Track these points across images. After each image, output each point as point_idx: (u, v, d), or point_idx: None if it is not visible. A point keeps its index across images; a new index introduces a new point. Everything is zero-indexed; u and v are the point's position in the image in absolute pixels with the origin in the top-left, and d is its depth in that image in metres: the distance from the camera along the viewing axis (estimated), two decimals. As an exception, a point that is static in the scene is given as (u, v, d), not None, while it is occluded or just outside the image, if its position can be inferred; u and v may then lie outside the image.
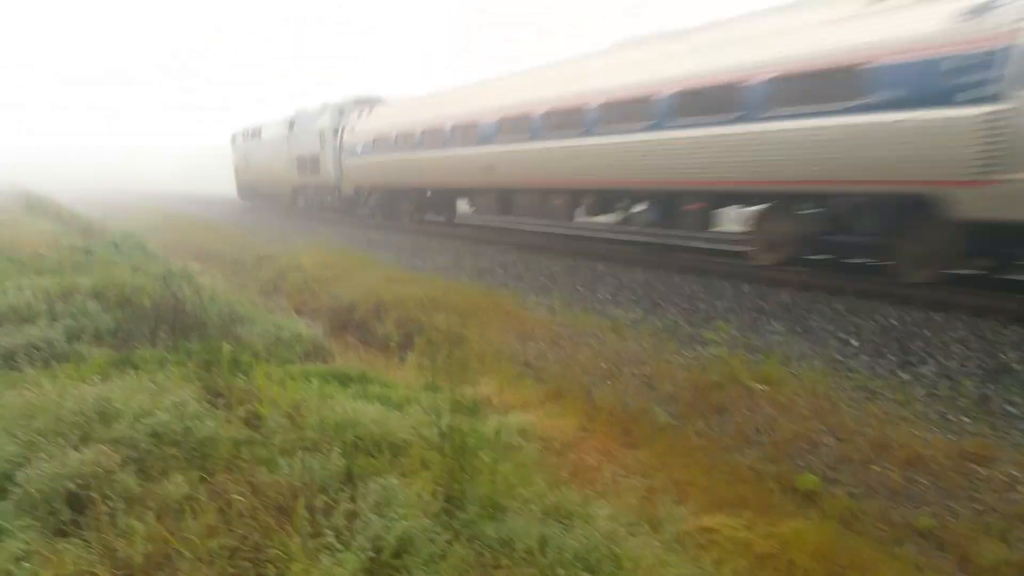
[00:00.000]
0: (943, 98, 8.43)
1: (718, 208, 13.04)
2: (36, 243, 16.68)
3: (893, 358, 7.71)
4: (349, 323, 12.55)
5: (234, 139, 39.64)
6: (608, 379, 8.13)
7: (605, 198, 15.23)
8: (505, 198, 18.84)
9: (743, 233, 13.01)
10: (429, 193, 23.33)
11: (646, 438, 6.47)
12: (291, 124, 30.72)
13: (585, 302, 11.56)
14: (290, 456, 4.48)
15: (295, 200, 32.48)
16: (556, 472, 5.03)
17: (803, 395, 6.78)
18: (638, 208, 14.35)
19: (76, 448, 4.19)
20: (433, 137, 20.65)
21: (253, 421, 5.17)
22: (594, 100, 14.27)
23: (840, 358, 7.89)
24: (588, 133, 14.47)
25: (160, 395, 5.19)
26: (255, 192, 38.28)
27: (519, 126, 16.67)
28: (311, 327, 10.41)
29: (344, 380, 7.12)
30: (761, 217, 12.19)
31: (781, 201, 11.58)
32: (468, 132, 18.90)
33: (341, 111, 26.49)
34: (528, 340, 9.77)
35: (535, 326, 10.26)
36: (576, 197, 15.86)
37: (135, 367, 6.44)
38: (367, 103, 25.81)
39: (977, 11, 8.15)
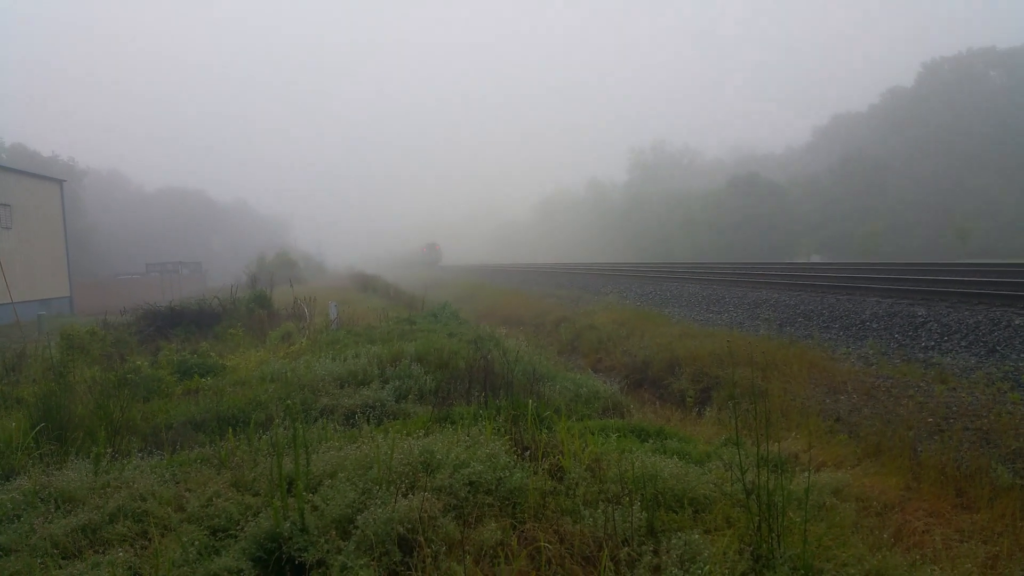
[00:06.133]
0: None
1: None
2: (369, 316, 19.06)
3: None
4: (644, 379, 12.60)
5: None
6: (935, 434, 7.27)
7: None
8: None
9: None
10: None
11: (985, 499, 5.66)
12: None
13: (904, 351, 10.51)
14: (593, 508, 4.58)
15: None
16: (876, 535, 4.55)
17: None
18: None
19: (405, 495, 4.64)
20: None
21: (557, 473, 5.38)
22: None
23: None
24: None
25: (474, 448, 5.61)
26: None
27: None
28: (607, 384, 10.62)
29: (641, 435, 7.15)
30: None
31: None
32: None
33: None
34: (838, 394, 9.09)
35: (846, 378, 9.52)
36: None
37: (452, 422, 7.06)
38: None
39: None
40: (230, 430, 6.90)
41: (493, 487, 4.93)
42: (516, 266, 61.48)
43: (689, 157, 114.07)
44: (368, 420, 7.85)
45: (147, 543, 4.44)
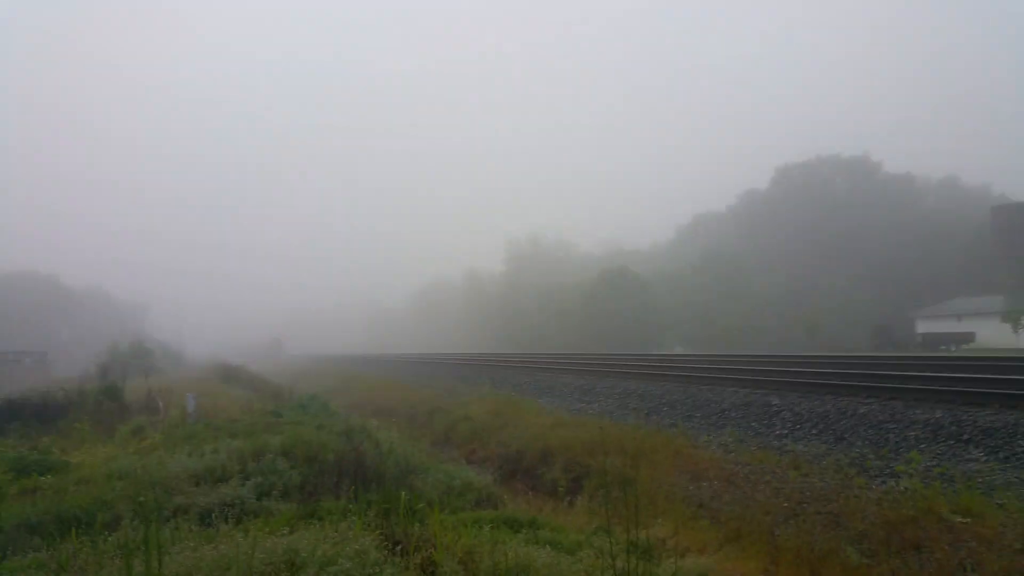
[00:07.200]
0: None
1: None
2: (232, 408, 18.21)
3: None
4: (518, 469, 12.58)
5: None
6: (791, 518, 7.59)
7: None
8: None
9: None
10: None
11: (837, 579, 5.94)
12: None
13: (761, 438, 11.01)
14: (465, 603, 4.48)
15: None
16: (742, 618, 4.68)
17: (1012, 527, 6.04)
18: None
19: (267, 597, 4.39)
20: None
21: (429, 567, 5.24)
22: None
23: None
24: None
25: (343, 544, 5.40)
26: None
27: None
28: (481, 475, 10.54)
29: (515, 526, 7.11)
30: None
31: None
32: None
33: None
34: (701, 480, 9.38)
35: (708, 465, 9.86)
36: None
37: (320, 518, 6.77)
38: None
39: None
40: (72, 532, 6.34)
41: (362, 585, 4.74)
42: (392, 355, 60.81)
43: (563, 250, 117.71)
44: (226, 519, 7.40)
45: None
